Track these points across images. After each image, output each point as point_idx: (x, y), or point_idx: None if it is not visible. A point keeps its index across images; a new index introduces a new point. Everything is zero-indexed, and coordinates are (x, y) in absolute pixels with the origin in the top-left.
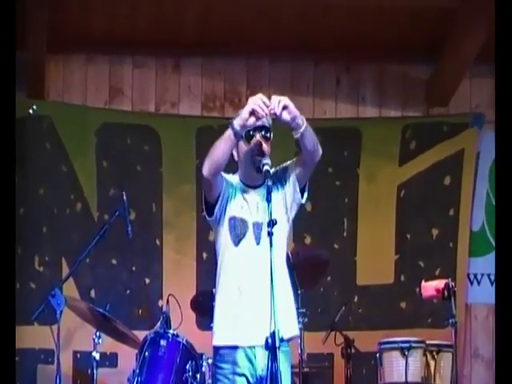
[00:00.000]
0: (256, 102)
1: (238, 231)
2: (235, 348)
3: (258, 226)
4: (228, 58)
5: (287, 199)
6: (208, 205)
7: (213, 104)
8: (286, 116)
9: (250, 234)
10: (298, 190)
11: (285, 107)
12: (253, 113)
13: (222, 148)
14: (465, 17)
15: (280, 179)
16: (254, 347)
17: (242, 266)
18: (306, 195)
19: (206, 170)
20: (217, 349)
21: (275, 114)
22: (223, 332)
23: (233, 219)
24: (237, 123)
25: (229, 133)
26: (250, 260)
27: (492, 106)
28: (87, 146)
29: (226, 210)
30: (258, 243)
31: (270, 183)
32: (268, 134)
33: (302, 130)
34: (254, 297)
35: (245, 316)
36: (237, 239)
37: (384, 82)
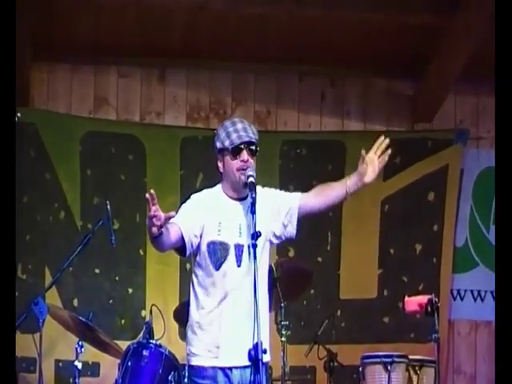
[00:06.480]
0: (149, 214)
1: (218, 255)
2: (213, 368)
3: (239, 248)
4: (213, 69)
5: (277, 226)
6: (178, 250)
7: (198, 115)
8: (371, 178)
9: (231, 257)
10: (295, 224)
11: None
12: (153, 223)
13: (153, 244)
14: (450, 33)
15: (276, 202)
16: (231, 368)
17: (223, 288)
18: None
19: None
20: (193, 366)
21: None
22: (202, 354)
23: (212, 244)
24: (149, 234)
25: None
26: (230, 282)
27: (475, 123)
28: (71, 154)
29: (201, 239)
30: (239, 265)
31: (254, 195)
32: (254, 149)
33: (349, 196)
34: (233, 320)
35: (224, 337)
36: (217, 263)
37: (369, 96)
